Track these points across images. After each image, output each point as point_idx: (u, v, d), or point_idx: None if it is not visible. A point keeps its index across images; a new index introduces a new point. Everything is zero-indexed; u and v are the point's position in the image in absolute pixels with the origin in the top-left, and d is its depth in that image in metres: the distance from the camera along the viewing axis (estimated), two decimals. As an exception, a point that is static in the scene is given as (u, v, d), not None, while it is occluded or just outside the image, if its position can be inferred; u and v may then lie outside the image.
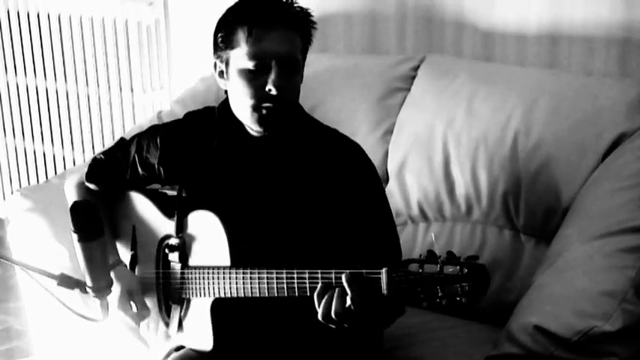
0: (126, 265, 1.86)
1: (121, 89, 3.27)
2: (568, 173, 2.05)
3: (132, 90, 3.24)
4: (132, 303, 1.79)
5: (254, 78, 1.63)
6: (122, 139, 1.93)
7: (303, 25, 1.67)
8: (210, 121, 1.79)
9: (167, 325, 1.80)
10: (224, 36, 1.66)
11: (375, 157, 1.82)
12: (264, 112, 1.64)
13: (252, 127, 1.69)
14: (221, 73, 1.71)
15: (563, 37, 2.36)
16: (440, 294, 1.36)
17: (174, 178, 1.83)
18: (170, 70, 3.20)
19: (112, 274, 1.76)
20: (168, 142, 1.82)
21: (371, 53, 2.68)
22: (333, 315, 1.46)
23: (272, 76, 1.61)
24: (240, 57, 1.63)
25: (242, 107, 1.67)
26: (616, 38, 2.28)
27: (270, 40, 1.62)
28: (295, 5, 1.67)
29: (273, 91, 1.61)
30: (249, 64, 1.62)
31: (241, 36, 1.63)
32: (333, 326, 1.49)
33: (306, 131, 1.75)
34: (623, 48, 2.28)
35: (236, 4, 1.68)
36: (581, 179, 2.03)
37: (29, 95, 3.63)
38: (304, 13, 1.68)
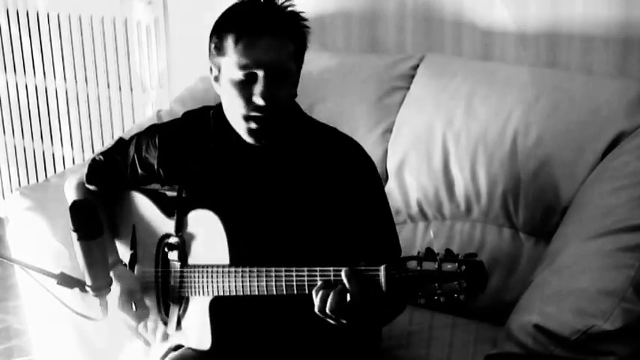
0: (125, 265, 1.86)
1: (120, 88, 3.27)
2: (567, 172, 2.05)
3: (131, 89, 3.23)
4: (132, 303, 1.79)
5: (243, 88, 1.60)
6: (121, 139, 1.92)
7: (294, 30, 1.62)
8: (207, 121, 1.79)
9: (165, 324, 1.80)
10: (216, 42, 1.64)
11: (374, 156, 1.81)
12: (253, 124, 1.62)
13: (244, 138, 1.67)
14: (216, 78, 1.69)
15: (562, 36, 2.36)
16: (438, 291, 1.37)
17: (173, 178, 1.83)
18: (169, 69, 3.20)
19: (112, 274, 1.76)
20: (166, 143, 1.81)
21: (370, 52, 2.68)
22: (327, 310, 1.47)
23: (259, 87, 1.58)
24: (230, 66, 1.61)
25: (233, 117, 1.66)
26: (615, 37, 2.28)
27: (258, 50, 1.58)
28: (287, 10, 1.63)
29: (261, 102, 1.59)
30: (239, 74, 1.60)
31: (230, 44, 1.60)
32: (331, 321, 1.50)
33: (302, 132, 1.73)
34: (622, 47, 2.28)
35: (227, 10, 1.65)
36: (581, 178, 2.03)
37: (28, 94, 3.63)
38: (296, 18, 1.63)
